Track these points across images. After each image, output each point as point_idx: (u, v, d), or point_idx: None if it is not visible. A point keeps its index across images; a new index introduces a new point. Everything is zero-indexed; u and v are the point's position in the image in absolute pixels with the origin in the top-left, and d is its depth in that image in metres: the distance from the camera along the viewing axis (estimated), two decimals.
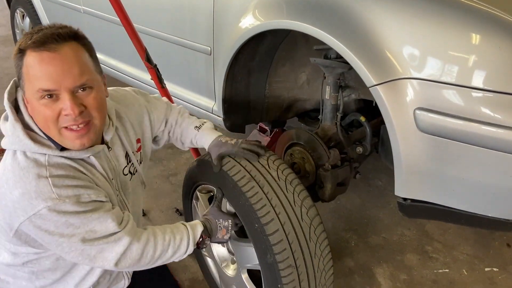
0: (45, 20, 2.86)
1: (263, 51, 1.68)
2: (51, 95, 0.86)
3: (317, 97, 1.90)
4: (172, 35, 1.86)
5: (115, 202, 1.04)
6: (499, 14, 1.05)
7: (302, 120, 2.10)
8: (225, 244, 1.44)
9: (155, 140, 1.34)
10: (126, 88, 1.25)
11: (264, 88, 1.82)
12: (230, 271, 1.42)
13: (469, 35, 1.07)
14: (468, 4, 1.08)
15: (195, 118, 1.34)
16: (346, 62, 1.43)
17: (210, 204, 1.40)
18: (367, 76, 1.18)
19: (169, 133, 1.32)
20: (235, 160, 1.19)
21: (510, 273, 1.71)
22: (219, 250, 1.46)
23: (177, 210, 2.02)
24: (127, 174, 1.13)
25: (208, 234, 1.13)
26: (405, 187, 1.22)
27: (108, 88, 1.07)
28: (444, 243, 1.86)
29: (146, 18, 1.96)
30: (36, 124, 0.93)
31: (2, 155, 0.97)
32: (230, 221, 1.17)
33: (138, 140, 1.19)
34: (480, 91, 1.05)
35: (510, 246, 1.84)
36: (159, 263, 1.03)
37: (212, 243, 1.17)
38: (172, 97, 1.76)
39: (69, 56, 0.87)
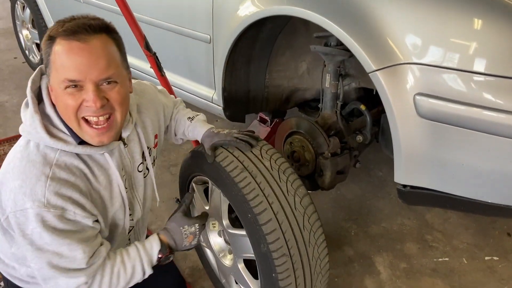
0: (45, 11, 2.85)
1: (263, 39, 1.67)
2: (76, 85, 0.86)
3: (317, 87, 1.89)
4: (171, 23, 1.85)
5: (117, 206, 1.02)
6: None
7: (303, 110, 2.09)
8: (222, 234, 1.45)
9: None
10: (146, 82, 1.24)
11: (264, 77, 1.82)
12: (227, 261, 1.43)
13: (470, 20, 1.06)
14: None
15: (189, 110, 1.33)
16: (346, 50, 1.42)
17: (206, 196, 1.40)
18: (367, 62, 1.17)
19: (167, 126, 1.32)
20: (228, 151, 1.19)
21: (511, 261, 1.71)
22: (216, 240, 1.47)
23: (178, 200, 2.02)
24: (141, 171, 1.11)
25: (170, 248, 1.05)
26: (405, 173, 1.22)
27: None
28: (444, 232, 1.86)
29: (145, 7, 1.95)
30: (57, 115, 0.92)
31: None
32: (196, 225, 1.09)
33: (156, 136, 1.18)
34: (481, 76, 1.04)
35: (510, 235, 1.84)
36: None
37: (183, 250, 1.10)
38: (172, 86, 1.76)
39: (97, 48, 0.86)
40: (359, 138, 1.61)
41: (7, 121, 2.77)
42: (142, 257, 1.01)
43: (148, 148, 1.12)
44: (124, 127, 1.02)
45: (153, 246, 1.03)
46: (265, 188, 1.11)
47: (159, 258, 1.03)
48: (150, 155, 1.13)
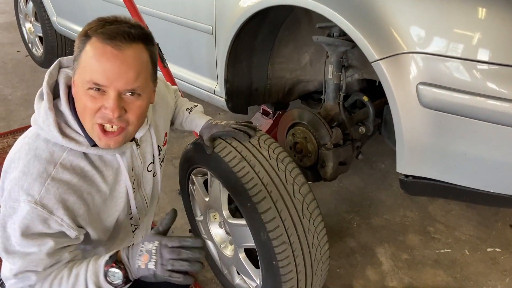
0: (48, 4, 2.85)
1: (266, 30, 1.66)
2: (99, 88, 0.84)
3: (320, 78, 1.89)
4: (173, 14, 1.85)
5: (121, 206, 1.00)
6: None
7: (305, 102, 2.09)
8: (222, 226, 1.45)
9: None
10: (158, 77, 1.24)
11: (266, 69, 1.81)
12: (229, 251, 1.44)
13: (475, 8, 1.05)
14: None
15: (186, 100, 1.33)
16: (349, 40, 1.42)
17: (206, 188, 1.40)
18: (370, 51, 1.17)
19: None
20: (226, 142, 1.19)
21: None
22: (217, 232, 1.48)
23: (180, 192, 2.03)
24: (150, 171, 1.09)
25: (123, 265, 0.86)
26: (407, 163, 1.22)
27: None
28: (447, 224, 1.86)
29: None
30: (71, 114, 0.90)
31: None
32: (156, 243, 0.84)
33: (166, 134, 1.17)
34: (485, 65, 1.04)
35: None
36: None
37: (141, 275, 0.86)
38: (174, 78, 1.76)
39: (130, 58, 0.84)
40: (362, 129, 1.61)
41: (10, 114, 2.79)
42: (88, 267, 0.88)
43: (158, 147, 1.10)
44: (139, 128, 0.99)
45: (104, 257, 0.88)
46: (264, 177, 1.12)
47: (105, 272, 0.86)
48: (160, 154, 1.12)
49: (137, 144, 1.02)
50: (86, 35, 0.84)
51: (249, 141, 1.18)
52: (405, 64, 1.13)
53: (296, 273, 1.13)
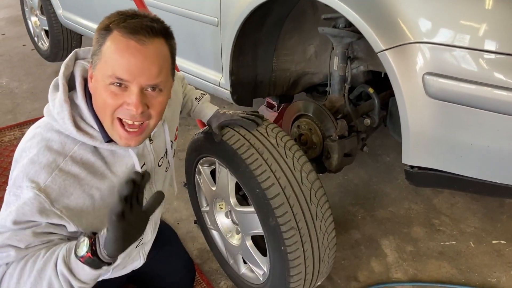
0: None
1: (271, 22, 1.66)
2: (121, 84, 0.83)
3: (325, 71, 1.88)
4: (178, 6, 1.85)
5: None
6: None
7: (310, 94, 2.09)
8: (229, 215, 1.46)
9: None
10: None
11: (271, 61, 1.81)
12: (235, 240, 1.45)
13: None
14: None
15: (192, 87, 1.33)
16: (354, 31, 1.41)
17: (213, 178, 1.40)
18: (376, 41, 1.16)
19: None
20: (234, 130, 1.21)
21: None
22: (223, 221, 1.49)
23: (185, 184, 2.04)
24: (161, 165, 1.10)
25: (92, 239, 0.82)
26: (413, 154, 1.22)
27: None
28: (452, 216, 1.86)
29: None
30: (87, 108, 0.89)
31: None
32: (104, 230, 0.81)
33: (176, 128, 1.18)
34: (493, 54, 1.03)
35: None
36: None
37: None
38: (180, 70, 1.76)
39: (153, 53, 0.83)
40: (367, 121, 1.61)
41: (17, 107, 2.81)
42: (66, 245, 0.86)
43: (170, 141, 1.11)
44: None
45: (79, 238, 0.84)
46: (272, 164, 1.13)
47: (75, 246, 0.83)
48: (172, 149, 1.12)
49: (150, 140, 1.02)
50: (107, 29, 0.83)
51: (257, 130, 1.20)
52: (411, 54, 1.13)
53: (304, 258, 1.14)
